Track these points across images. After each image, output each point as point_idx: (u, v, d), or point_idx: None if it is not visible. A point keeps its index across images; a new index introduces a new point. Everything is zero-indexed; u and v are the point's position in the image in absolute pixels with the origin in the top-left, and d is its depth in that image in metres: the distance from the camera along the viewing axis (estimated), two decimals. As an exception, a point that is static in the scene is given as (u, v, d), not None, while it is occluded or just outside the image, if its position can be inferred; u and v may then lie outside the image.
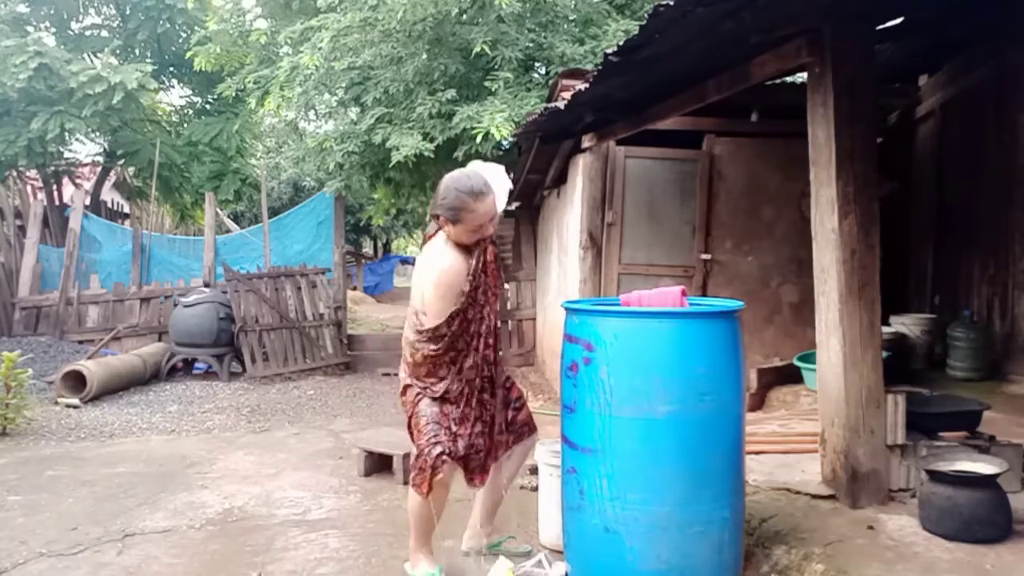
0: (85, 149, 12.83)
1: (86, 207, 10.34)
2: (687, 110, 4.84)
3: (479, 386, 3.11)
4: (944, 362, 5.58)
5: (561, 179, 7.50)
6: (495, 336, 3.19)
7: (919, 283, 6.66)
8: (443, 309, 3.03)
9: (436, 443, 3.02)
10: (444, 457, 3.00)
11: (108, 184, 13.05)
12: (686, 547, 2.71)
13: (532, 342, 9.16)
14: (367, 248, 26.53)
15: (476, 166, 3.20)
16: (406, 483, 4.53)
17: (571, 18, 8.41)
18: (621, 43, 3.38)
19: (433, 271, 3.07)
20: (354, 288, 18.60)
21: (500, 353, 3.25)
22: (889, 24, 4.15)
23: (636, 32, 3.24)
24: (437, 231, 3.15)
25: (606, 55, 3.54)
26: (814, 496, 3.37)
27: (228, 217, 14.87)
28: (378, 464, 4.79)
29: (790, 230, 6.00)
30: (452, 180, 3.06)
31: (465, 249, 3.09)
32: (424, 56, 7.91)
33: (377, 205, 12.88)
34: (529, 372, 8.50)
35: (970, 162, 5.95)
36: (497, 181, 3.12)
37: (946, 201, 6.31)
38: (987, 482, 2.91)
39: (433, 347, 3.05)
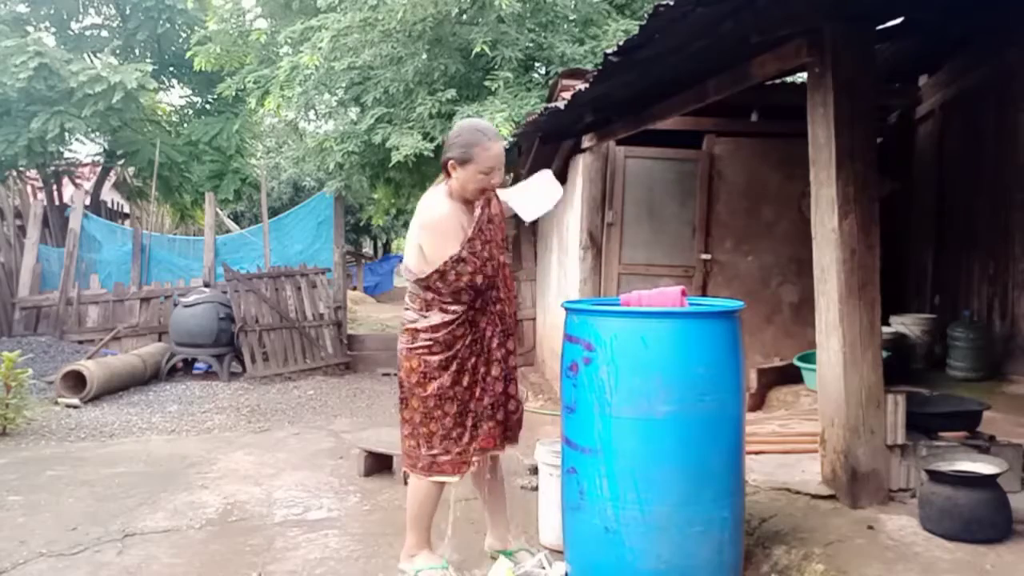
0: (85, 149, 12.82)
1: (86, 207, 10.33)
2: (687, 110, 4.85)
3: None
4: (944, 362, 5.57)
5: (561, 179, 7.50)
6: (508, 295, 3.11)
7: (919, 283, 6.66)
8: (437, 257, 2.90)
9: None
10: None
11: (108, 184, 13.04)
12: (686, 547, 2.71)
13: (532, 342, 9.16)
14: (367, 248, 26.55)
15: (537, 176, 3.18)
16: (406, 483, 4.56)
17: (571, 18, 8.42)
18: (621, 43, 3.38)
19: (427, 216, 2.95)
20: (354, 288, 18.61)
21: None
22: (889, 24, 4.16)
23: (636, 32, 3.24)
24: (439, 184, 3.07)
25: (606, 55, 3.54)
26: (814, 496, 3.37)
27: (228, 217, 14.86)
28: (378, 464, 4.79)
29: (790, 230, 6.00)
30: (466, 121, 3.14)
31: (464, 203, 3.01)
32: (424, 56, 7.92)
33: (377, 205, 12.88)
34: (529, 372, 8.49)
35: (970, 162, 5.95)
36: (544, 187, 3.13)
37: (946, 201, 6.31)
38: (987, 482, 2.91)
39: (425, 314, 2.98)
